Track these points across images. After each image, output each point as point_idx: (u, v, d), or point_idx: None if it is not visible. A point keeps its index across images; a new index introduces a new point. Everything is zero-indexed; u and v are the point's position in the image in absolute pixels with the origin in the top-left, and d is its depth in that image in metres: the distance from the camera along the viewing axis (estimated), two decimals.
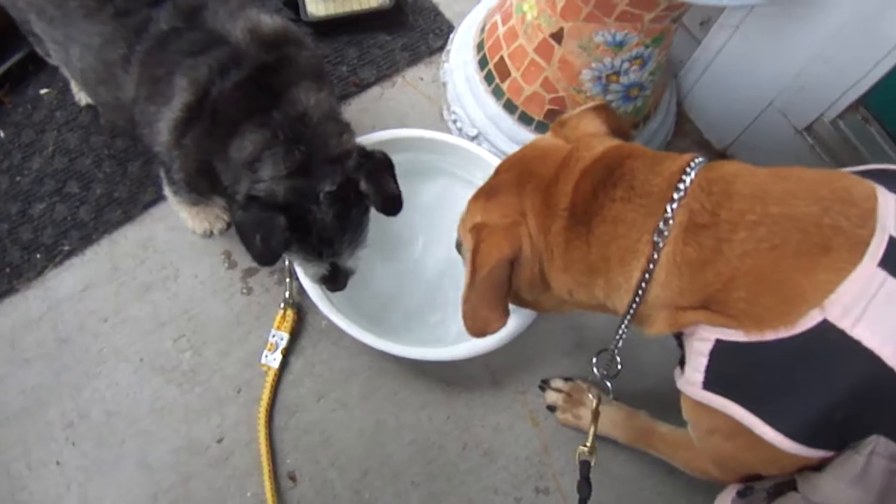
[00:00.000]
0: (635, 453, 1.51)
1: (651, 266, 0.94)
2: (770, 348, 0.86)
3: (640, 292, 0.97)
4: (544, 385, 1.57)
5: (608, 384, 1.27)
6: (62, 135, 1.79)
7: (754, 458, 0.99)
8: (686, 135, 1.86)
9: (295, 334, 1.61)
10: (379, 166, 1.29)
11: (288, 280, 1.58)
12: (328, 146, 1.25)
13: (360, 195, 1.27)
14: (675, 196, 0.93)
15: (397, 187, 1.30)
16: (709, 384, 0.94)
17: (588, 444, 1.23)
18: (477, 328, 1.13)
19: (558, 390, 1.55)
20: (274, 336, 1.58)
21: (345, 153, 1.26)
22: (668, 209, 0.93)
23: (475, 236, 1.06)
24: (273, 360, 1.56)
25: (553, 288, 1.08)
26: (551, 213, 1.02)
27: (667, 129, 1.77)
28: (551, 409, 1.55)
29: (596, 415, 1.27)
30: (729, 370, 0.93)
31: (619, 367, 1.25)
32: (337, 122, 1.30)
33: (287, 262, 1.56)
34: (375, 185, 1.27)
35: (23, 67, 1.84)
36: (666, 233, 0.92)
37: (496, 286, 1.07)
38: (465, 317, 1.12)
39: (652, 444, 1.39)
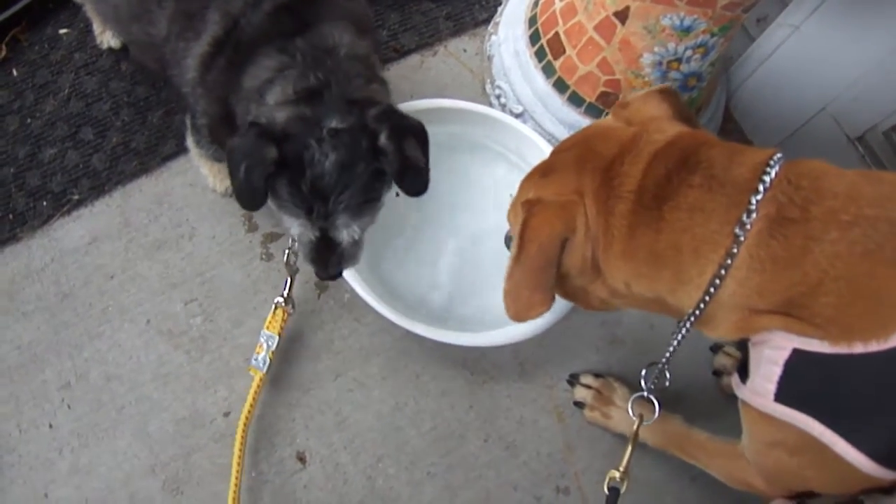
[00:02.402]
0: (660, 458, 1.45)
1: (729, 260, 0.87)
2: (857, 362, 0.80)
3: (711, 289, 0.89)
4: (573, 380, 1.50)
5: (656, 403, 1.21)
6: (79, 78, 1.69)
7: (819, 475, 0.93)
8: (728, 134, 1.80)
9: (315, 308, 1.53)
10: (408, 129, 1.10)
11: (288, 279, 1.41)
12: (350, 83, 1.10)
13: (374, 150, 1.08)
14: (761, 188, 0.86)
15: (426, 161, 1.12)
16: (782, 396, 0.88)
17: (622, 468, 1.16)
18: (518, 310, 1.05)
19: (588, 387, 1.48)
20: (263, 336, 1.39)
21: (368, 99, 1.11)
22: (753, 201, 0.86)
23: (526, 211, 0.98)
24: (262, 363, 1.38)
25: (607, 277, 1.00)
26: (614, 194, 0.94)
27: (715, 125, 1.71)
28: (579, 405, 1.48)
29: (635, 438, 1.21)
30: (807, 383, 0.87)
31: (668, 382, 1.19)
32: (368, 69, 1.16)
33: (286, 257, 1.38)
34: (397, 143, 1.07)
35: (42, 4, 1.74)
36: (748, 226, 0.86)
37: (544, 266, 0.99)
38: (506, 296, 1.04)
39: (686, 450, 1.33)
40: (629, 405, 1.27)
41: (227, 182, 1.56)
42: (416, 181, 1.12)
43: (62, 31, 1.73)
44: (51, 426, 1.44)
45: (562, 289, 1.11)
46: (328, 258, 1.19)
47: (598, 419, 1.46)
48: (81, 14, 1.71)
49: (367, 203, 1.13)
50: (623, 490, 1.15)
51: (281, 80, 1.10)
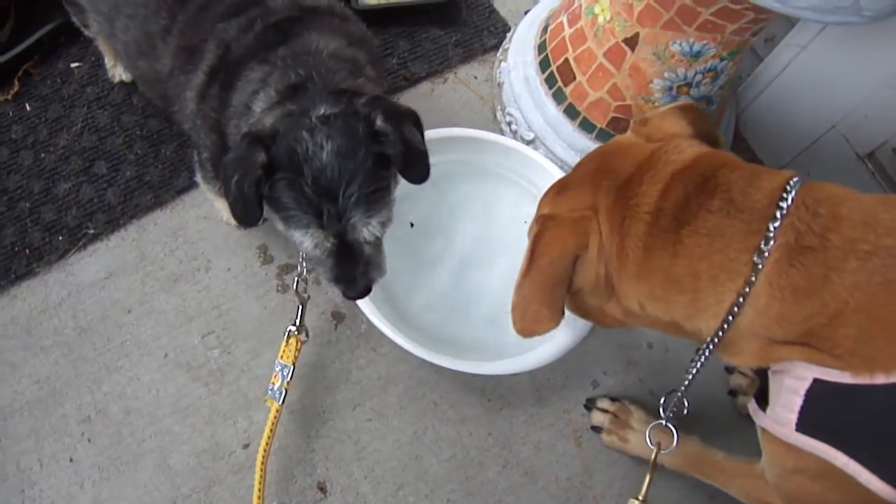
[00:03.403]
0: (676, 478, 1.45)
1: (748, 289, 0.87)
2: (880, 392, 0.80)
3: (730, 318, 0.89)
4: (590, 405, 1.51)
5: (674, 431, 1.20)
6: (92, 112, 1.70)
7: (842, 500, 0.92)
8: (738, 153, 1.76)
9: (332, 338, 1.54)
10: (403, 112, 1.04)
11: (299, 306, 1.38)
12: (334, 76, 1.06)
13: (374, 135, 1.01)
14: (779, 214, 0.86)
15: (424, 144, 1.05)
16: (803, 426, 0.88)
17: (641, 497, 1.17)
18: (526, 324, 1.04)
19: (604, 410, 1.48)
20: (277, 366, 1.37)
21: (355, 91, 1.05)
22: (771, 228, 0.86)
23: (540, 225, 0.99)
24: (278, 393, 1.36)
25: (621, 297, 1.00)
26: (630, 214, 0.94)
27: (725, 146, 1.71)
28: (596, 429, 1.49)
29: (653, 466, 1.21)
30: (829, 413, 0.87)
31: (687, 409, 1.18)
32: (356, 67, 1.12)
33: (296, 285, 1.38)
34: (396, 126, 1.00)
35: (54, 39, 1.75)
36: (767, 253, 0.86)
37: (554, 281, 0.99)
38: (514, 309, 1.04)
39: (704, 471, 1.33)
40: (647, 433, 1.26)
41: None
42: (420, 166, 1.04)
43: (74, 65, 1.75)
44: (71, 460, 1.45)
45: (576, 306, 1.12)
46: (354, 271, 1.10)
47: (616, 443, 1.46)
48: (93, 48, 1.72)
49: (377, 193, 1.03)
50: None
51: (264, 87, 1.07)
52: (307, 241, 1.05)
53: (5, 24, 1.69)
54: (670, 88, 1.42)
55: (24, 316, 1.55)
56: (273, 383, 1.38)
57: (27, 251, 1.58)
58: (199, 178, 1.49)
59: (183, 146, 1.67)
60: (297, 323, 1.38)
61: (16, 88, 1.72)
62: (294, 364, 1.38)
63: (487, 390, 1.52)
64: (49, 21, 1.71)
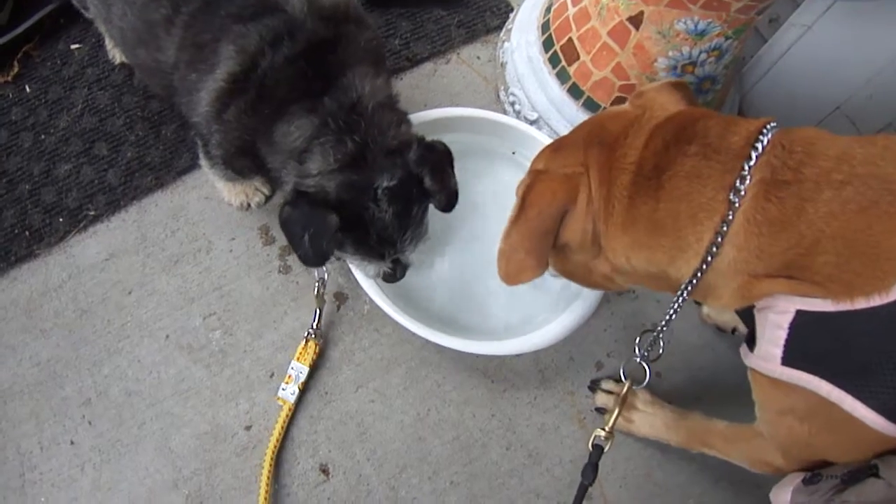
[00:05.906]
0: (682, 462, 1.45)
1: (725, 227, 0.88)
2: (861, 317, 0.80)
3: (709, 258, 0.90)
4: (594, 386, 1.50)
5: (647, 368, 1.21)
6: (92, 93, 1.69)
7: (830, 441, 0.92)
8: None
9: (335, 319, 1.53)
10: (442, 160, 1.20)
11: (317, 310, 1.47)
12: (385, 136, 1.15)
13: (423, 192, 1.18)
14: (754, 154, 0.87)
15: (456, 182, 1.23)
16: (789, 359, 0.88)
17: (607, 427, 1.17)
18: (509, 271, 1.07)
19: (609, 392, 1.48)
20: (293, 369, 1.45)
21: (404, 144, 1.17)
22: (746, 167, 0.87)
23: (532, 178, 1.01)
24: (290, 393, 1.44)
25: (608, 251, 1.01)
26: (616, 166, 0.96)
27: None
28: (601, 411, 1.48)
29: (623, 399, 1.22)
30: (812, 343, 0.86)
31: (662, 350, 1.19)
32: (394, 111, 1.20)
33: (316, 290, 1.45)
34: (441, 182, 1.18)
35: (53, 20, 1.74)
36: (743, 192, 0.87)
37: (542, 231, 1.01)
38: (500, 256, 1.06)
39: (708, 442, 1.31)
40: (621, 370, 1.27)
41: (242, 196, 1.56)
42: (453, 202, 1.23)
43: (74, 46, 1.74)
44: (72, 443, 1.44)
45: (561, 264, 1.13)
46: (395, 272, 1.34)
47: (620, 424, 1.45)
48: (93, 29, 1.71)
49: (422, 227, 1.25)
50: (607, 448, 1.16)
51: (319, 149, 1.12)
52: (370, 269, 1.30)
53: (4, 5, 1.68)
54: (675, 67, 1.42)
55: (24, 298, 1.54)
56: (287, 383, 1.44)
57: (27, 233, 1.57)
58: (203, 162, 1.48)
59: (184, 127, 1.65)
60: (315, 327, 1.47)
61: (15, 70, 1.71)
62: (311, 367, 1.46)
63: (491, 372, 1.51)
64: (48, 2, 1.70)
